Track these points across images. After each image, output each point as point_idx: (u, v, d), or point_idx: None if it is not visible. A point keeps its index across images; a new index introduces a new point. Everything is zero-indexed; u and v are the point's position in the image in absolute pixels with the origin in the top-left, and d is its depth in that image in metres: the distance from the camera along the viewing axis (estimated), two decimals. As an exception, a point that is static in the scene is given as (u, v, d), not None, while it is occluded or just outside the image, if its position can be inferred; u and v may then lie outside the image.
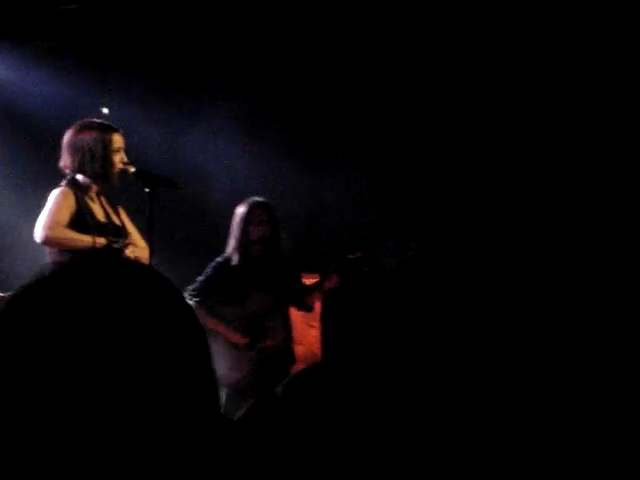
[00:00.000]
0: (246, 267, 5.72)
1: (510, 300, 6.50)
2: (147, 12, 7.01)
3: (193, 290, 5.63)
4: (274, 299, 5.72)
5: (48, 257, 4.99)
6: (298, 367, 7.57)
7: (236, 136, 7.15)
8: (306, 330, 7.76)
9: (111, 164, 4.96)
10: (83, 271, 1.17)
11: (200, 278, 5.72)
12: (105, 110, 7.30)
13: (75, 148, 4.98)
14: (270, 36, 7.05)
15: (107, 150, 4.95)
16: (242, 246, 5.70)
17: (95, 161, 4.95)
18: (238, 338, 5.60)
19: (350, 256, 5.77)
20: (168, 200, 5.61)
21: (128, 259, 4.83)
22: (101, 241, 4.90)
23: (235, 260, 5.73)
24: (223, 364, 5.50)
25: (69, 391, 1.09)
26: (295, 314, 6.75)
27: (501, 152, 6.77)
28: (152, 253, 5.02)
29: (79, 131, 5.00)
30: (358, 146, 7.18)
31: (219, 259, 5.79)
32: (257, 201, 5.76)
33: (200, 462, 1.14)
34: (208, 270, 5.75)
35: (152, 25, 7.14)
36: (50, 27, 7.13)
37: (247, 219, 5.68)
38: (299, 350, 7.78)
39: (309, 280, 6.09)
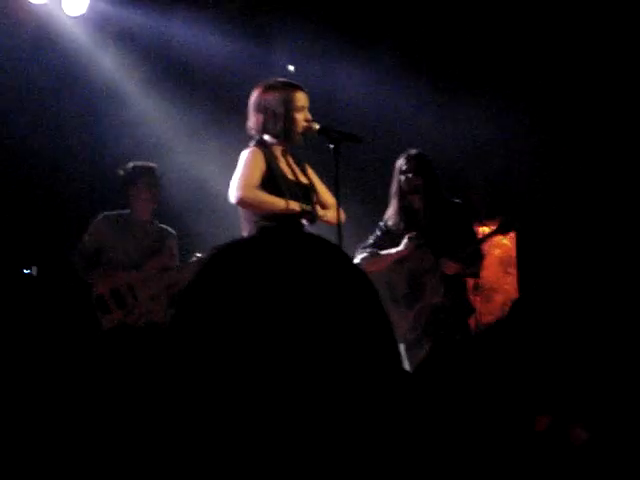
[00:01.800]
0: (405, 223, 5.74)
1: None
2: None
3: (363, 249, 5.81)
4: (434, 256, 5.65)
5: (242, 218, 5.06)
6: (497, 315, 7.46)
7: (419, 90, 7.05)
8: (503, 277, 7.62)
9: (294, 123, 4.97)
10: (269, 242, 1.21)
11: (369, 242, 5.85)
12: (291, 67, 7.34)
13: (259, 108, 5.02)
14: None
15: (289, 109, 4.96)
16: (399, 199, 5.77)
17: (278, 120, 4.97)
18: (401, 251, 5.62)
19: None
20: (354, 155, 5.61)
21: (308, 232, 4.85)
22: (294, 206, 4.92)
23: (393, 215, 5.80)
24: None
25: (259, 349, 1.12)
26: (491, 261, 6.62)
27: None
28: (340, 209, 5.00)
29: (263, 91, 5.03)
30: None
31: (381, 223, 5.88)
32: (407, 152, 5.79)
33: (382, 413, 1.15)
34: (374, 235, 5.88)
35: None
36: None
37: (399, 170, 5.75)
38: (497, 298, 7.67)
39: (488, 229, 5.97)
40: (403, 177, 5.73)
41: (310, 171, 5.25)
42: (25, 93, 6.88)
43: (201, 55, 7.25)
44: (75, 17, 6.84)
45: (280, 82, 5.10)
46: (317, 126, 4.98)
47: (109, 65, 7.16)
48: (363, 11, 7.21)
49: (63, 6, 6.73)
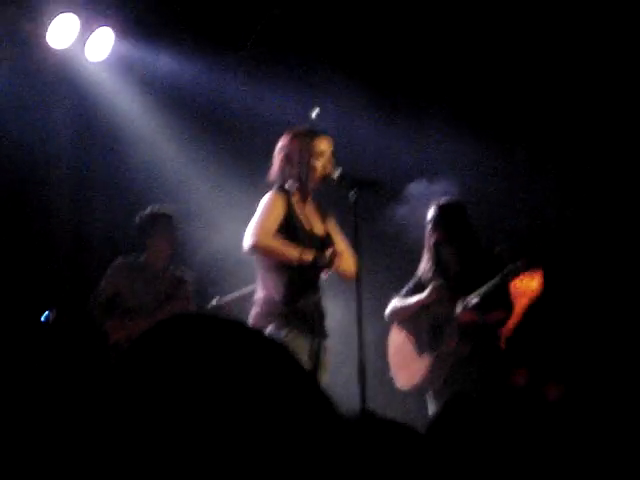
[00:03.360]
0: (434, 273, 5.66)
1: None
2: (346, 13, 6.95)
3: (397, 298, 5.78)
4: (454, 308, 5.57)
5: (257, 264, 4.96)
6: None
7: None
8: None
9: (311, 169, 4.90)
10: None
11: (402, 291, 5.79)
12: (315, 112, 7.27)
13: (280, 155, 4.98)
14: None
15: (307, 155, 4.90)
16: (429, 249, 5.70)
17: (295, 167, 4.92)
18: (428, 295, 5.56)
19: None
20: (376, 202, 5.52)
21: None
22: (307, 255, 4.81)
23: (424, 266, 5.72)
24: (410, 368, 5.65)
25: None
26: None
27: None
28: (360, 260, 4.88)
29: (285, 138, 5.01)
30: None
31: (417, 273, 5.79)
32: (437, 201, 5.70)
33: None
34: (408, 285, 5.81)
35: (356, 25, 7.06)
36: (255, 34, 7.19)
37: (428, 221, 5.66)
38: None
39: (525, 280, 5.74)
40: (431, 227, 5.65)
41: (331, 221, 5.16)
42: (45, 137, 6.86)
43: (227, 101, 7.21)
44: (97, 62, 6.82)
45: (303, 129, 5.07)
46: (337, 173, 4.90)
47: (131, 109, 7.12)
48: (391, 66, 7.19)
49: (86, 51, 6.72)
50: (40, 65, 6.66)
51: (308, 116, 6.88)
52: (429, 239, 5.68)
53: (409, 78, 7.16)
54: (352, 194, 4.85)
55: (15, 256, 6.64)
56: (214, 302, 6.07)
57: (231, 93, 7.19)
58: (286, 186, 4.96)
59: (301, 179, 4.92)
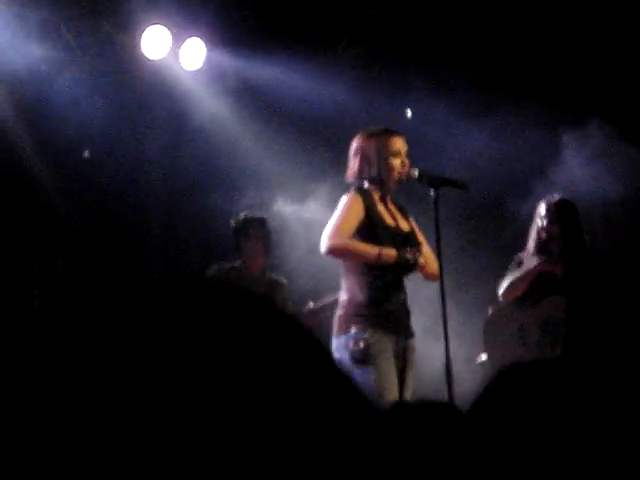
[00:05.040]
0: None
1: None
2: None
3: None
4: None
5: (343, 267, 4.93)
6: None
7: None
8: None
9: (388, 168, 4.84)
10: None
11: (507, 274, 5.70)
12: (409, 113, 7.23)
13: (356, 155, 4.94)
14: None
15: (383, 154, 4.83)
16: (536, 245, 5.60)
17: (372, 166, 4.86)
18: None
19: None
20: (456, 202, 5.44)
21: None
22: (389, 253, 4.73)
23: (530, 258, 5.58)
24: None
25: None
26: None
27: None
28: (440, 260, 4.80)
29: (360, 138, 4.96)
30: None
31: (518, 256, 5.72)
32: (548, 198, 5.63)
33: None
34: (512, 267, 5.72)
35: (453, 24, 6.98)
36: (350, 34, 7.20)
37: (538, 216, 5.59)
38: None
39: None
40: (541, 223, 5.55)
41: (412, 221, 5.08)
42: (141, 148, 7.01)
43: (319, 106, 7.21)
44: (192, 71, 6.94)
45: (377, 129, 5.02)
46: (416, 171, 4.84)
47: (226, 118, 7.21)
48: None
49: (180, 61, 6.84)
50: (134, 74, 6.81)
51: (404, 116, 6.85)
52: (537, 234, 5.57)
53: (503, 74, 7.04)
54: (433, 192, 4.80)
55: (108, 256, 6.80)
56: (310, 305, 6.07)
57: (327, 96, 7.19)
58: (365, 186, 4.92)
59: (380, 178, 4.87)
